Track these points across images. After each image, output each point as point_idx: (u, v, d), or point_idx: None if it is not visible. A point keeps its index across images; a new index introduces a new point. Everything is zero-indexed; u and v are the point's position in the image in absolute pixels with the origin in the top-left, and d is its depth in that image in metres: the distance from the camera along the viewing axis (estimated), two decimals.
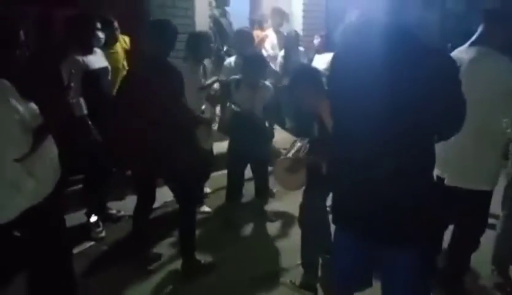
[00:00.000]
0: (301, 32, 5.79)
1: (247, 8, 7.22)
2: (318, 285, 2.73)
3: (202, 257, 3.06)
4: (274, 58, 5.08)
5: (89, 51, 3.29)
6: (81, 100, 3.12)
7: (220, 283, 2.87)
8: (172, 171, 2.81)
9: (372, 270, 1.80)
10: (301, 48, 5.11)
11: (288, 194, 3.71)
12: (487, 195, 2.51)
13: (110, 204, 3.77)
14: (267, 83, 3.58)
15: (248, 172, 3.70)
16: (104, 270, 3.00)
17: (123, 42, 4.11)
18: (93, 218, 3.46)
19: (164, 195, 3.40)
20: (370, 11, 1.70)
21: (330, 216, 2.04)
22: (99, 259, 3.16)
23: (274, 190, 4.17)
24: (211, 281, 2.88)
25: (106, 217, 3.63)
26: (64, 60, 3.08)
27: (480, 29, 2.46)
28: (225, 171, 3.73)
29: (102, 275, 2.95)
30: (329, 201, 2.39)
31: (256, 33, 5.42)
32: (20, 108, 1.88)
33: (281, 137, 4.27)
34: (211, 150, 3.94)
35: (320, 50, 4.84)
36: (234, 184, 3.64)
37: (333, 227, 1.89)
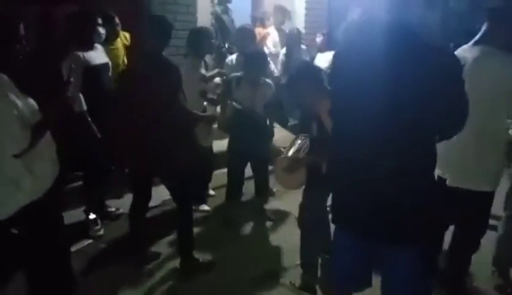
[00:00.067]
0: (303, 30, 5.78)
1: (249, 6, 7.20)
2: (317, 286, 2.72)
3: (202, 256, 3.05)
4: (276, 55, 5.07)
5: (90, 47, 3.27)
6: (81, 96, 3.11)
7: (219, 282, 2.86)
8: (169, 169, 2.80)
9: (372, 270, 1.79)
10: (303, 46, 5.11)
11: (289, 193, 3.70)
12: (489, 196, 2.49)
13: (108, 202, 3.76)
14: (268, 80, 3.56)
15: (248, 170, 3.68)
16: (102, 268, 2.99)
17: (124, 38, 4.10)
18: (92, 216, 3.45)
19: (162, 193, 3.38)
20: (372, 9, 1.69)
21: (330, 216, 2.02)
22: (97, 257, 3.15)
23: (274, 189, 4.15)
24: (210, 280, 2.87)
25: (105, 215, 3.62)
26: (64, 56, 3.06)
27: (484, 27, 2.43)
28: (225, 170, 3.72)
29: (101, 273, 2.94)
30: (329, 201, 2.37)
31: (258, 30, 5.41)
32: (19, 103, 1.86)
33: (281, 135, 4.25)
34: (211, 149, 3.93)
35: (322, 48, 4.84)
36: (234, 183, 3.62)
37: (332, 227, 1.87)
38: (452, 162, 2.43)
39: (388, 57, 1.46)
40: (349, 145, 1.62)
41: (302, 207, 2.77)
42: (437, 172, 2.45)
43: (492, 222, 2.70)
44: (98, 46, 3.39)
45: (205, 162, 3.78)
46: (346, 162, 1.65)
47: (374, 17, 1.66)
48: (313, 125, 2.56)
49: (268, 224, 3.72)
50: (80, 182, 3.64)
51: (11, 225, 1.93)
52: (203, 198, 3.96)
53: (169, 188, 2.96)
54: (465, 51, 2.43)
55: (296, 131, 2.94)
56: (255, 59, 3.40)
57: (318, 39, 4.94)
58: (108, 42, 3.70)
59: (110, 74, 3.45)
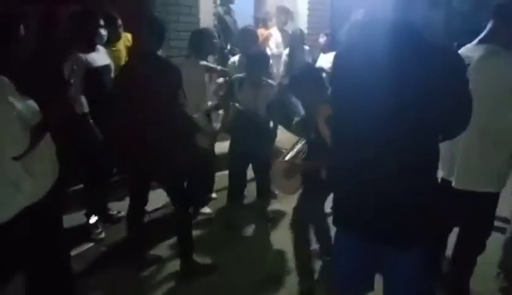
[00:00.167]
0: (305, 31, 5.76)
1: (252, 7, 7.18)
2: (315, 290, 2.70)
3: (203, 259, 3.03)
4: (279, 56, 5.05)
5: (92, 49, 3.27)
6: (83, 97, 3.10)
7: (221, 285, 2.84)
8: (167, 171, 2.77)
9: (374, 272, 1.77)
10: (306, 47, 5.08)
11: (290, 196, 3.67)
12: (493, 197, 2.45)
13: (110, 204, 3.74)
14: (270, 81, 3.54)
15: (250, 173, 3.66)
16: (102, 272, 2.97)
17: (126, 39, 4.09)
18: (93, 219, 3.44)
19: (162, 196, 3.36)
20: (375, 9, 1.67)
21: (330, 219, 2.00)
22: (98, 261, 3.13)
23: (276, 192, 4.12)
24: (211, 283, 2.85)
25: (106, 218, 3.60)
26: (66, 57, 3.06)
27: (489, 26, 2.39)
28: (227, 172, 3.69)
29: (101, 276, 2.92)
30: (329, 204, 2.35)
31: (261, 31, 5.39)
32: (18, 105, 1.85)
33: (284, 137, 4.23)
34: (212, 150, 3.91)
35: (326, 48, 4.82)
36: (236, 185, 3.60)
37: (333, 230, 1.85)
38: (456, 163, 2.40)
39: (392, 57, 1.44)
40: (351, 146, 1.60)
41: (296, 211, 2.74)
42: (441, 173, 2.43)
43: (497, 223, 2.67)
44: (100, 47, 3.38)
45: (207, 164, 3.76)
46: (349, 162, 1.63)
47: (377, 17, 1.65)
48: (311, 128, 2.54)
49: (270, 226, 3.70)
50: (81, 185, 3.63)
51: (11, 227, 1.92)
52: (206, 200, 3.94)
53: (167, 191, 2.94)
54: (469, 50, 2.39)
55: (298, 129, 2.90)
56: (257, 60, 3.38)
57: (321, 39, 4.92)
58: (110, 44, 3.69)
59: (112, 75, 3.44)
